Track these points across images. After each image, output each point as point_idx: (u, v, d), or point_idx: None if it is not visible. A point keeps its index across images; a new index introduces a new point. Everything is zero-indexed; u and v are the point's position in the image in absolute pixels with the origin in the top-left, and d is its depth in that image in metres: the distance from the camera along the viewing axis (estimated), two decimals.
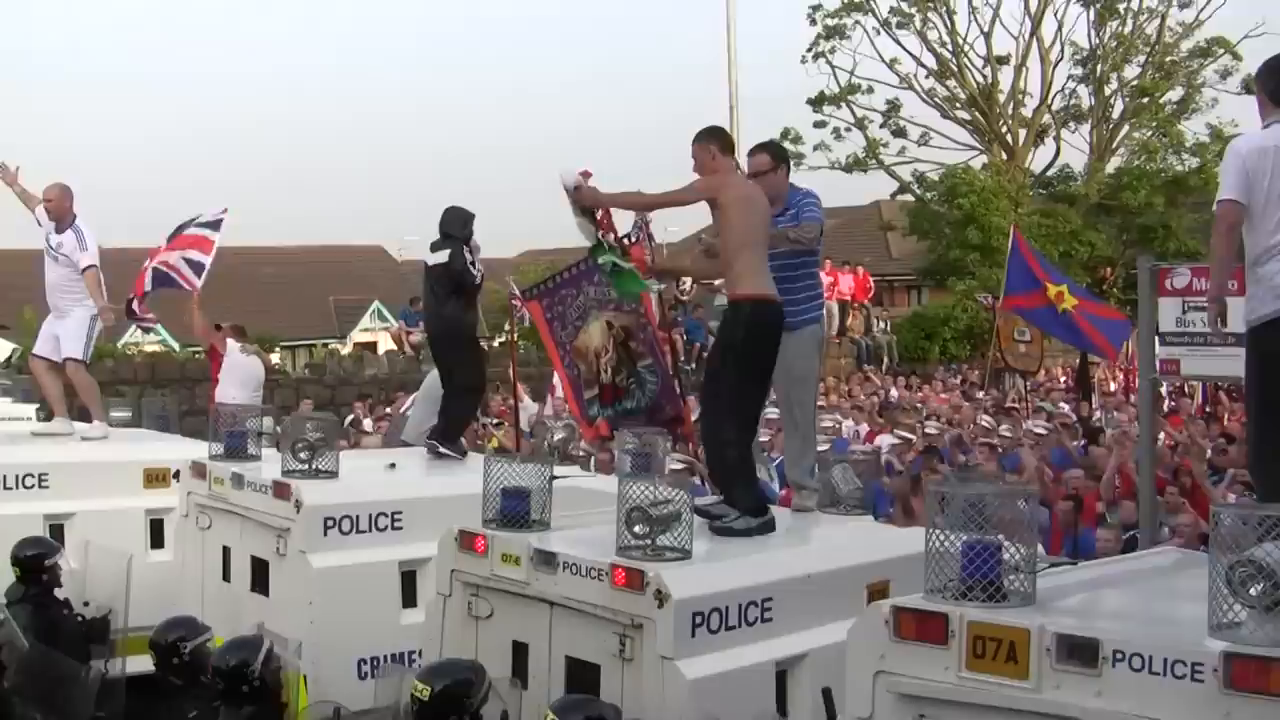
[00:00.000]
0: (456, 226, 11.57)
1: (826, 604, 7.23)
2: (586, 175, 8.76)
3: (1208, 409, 23.59)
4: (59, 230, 12.45)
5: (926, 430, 19.64)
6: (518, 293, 17.18)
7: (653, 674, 6.71)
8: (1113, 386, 30.42)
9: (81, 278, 12.37)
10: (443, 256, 11.49)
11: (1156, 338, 10.10)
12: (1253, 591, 4.69)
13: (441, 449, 11.30)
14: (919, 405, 25.11)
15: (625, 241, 12.93)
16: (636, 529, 7.04)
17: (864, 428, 21.32)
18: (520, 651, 7.42)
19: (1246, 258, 7.63)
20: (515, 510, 7.68)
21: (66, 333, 12.50)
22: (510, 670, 7.38)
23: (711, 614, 6.81)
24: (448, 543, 7.81)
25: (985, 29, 51.27)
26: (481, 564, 7.58)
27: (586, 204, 8.89)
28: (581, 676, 7.04)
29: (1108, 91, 51.10)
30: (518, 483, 7.73)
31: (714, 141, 8.51)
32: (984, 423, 20.89)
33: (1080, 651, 4.89)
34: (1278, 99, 7.55)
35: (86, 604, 9.88)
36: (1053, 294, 16.81)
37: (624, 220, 12.29)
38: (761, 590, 7.08)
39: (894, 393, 28.83)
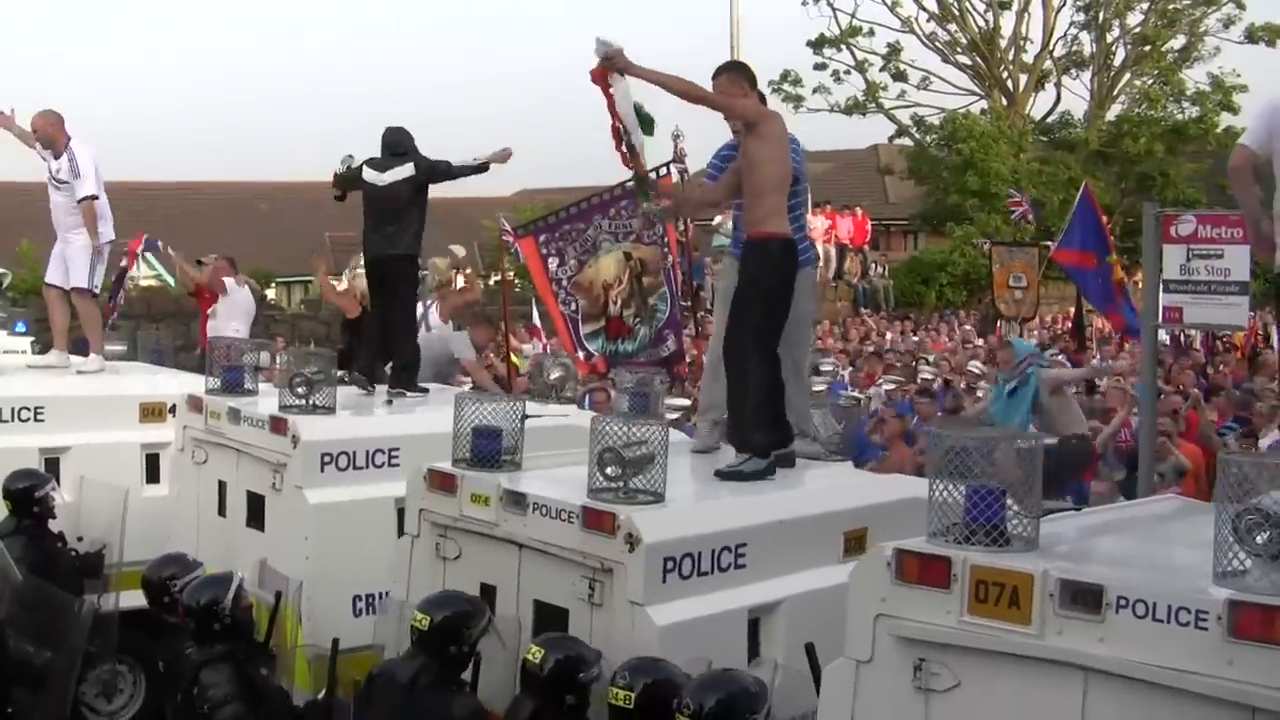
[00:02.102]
0: (410, 141, 11.26)
1: (802, 551, 7.17)
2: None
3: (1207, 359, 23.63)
4: (55, 157, 12.23)
5: (922, 375, 19.67)
6: (510, 229, 17.04)
7: (622, 619, 6.62)
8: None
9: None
10: (407, 170, 11.13)
11: (1160, 285, 10.03)
12: (1259, 539, 4.67)
13: (409, 394, 10.99)
14: (912, 351, 25.14)
15: (657, 174, 12.94)
16: (609, 470, 6.92)
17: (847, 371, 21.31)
18: (488, 594, 7.30)
19: (1275, 206, 7.64)
20: (486, 450, 7.58)
21: (71, 261, 12.36)
22: None
23: (684, 559, 6.70)
24: (416, 482, 7.73)
25: None
26: (451, 504, 7.50)
27: (622, 70, 8.39)
28: (550, 620, 6.95)
29: (1110, 38, 50.92)
30: (490, 422, 7.63)
31: (744, 76, 8.41)
32: (974, 369, 20.90)
33: (1084, 597, 4.86)
34: None
35: (80, 539, 9.87)
36: (1114, 259, 16.59)
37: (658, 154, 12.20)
38: (735, 536, 6.97)
39: (889, 337, 28.85)
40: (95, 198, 12.17)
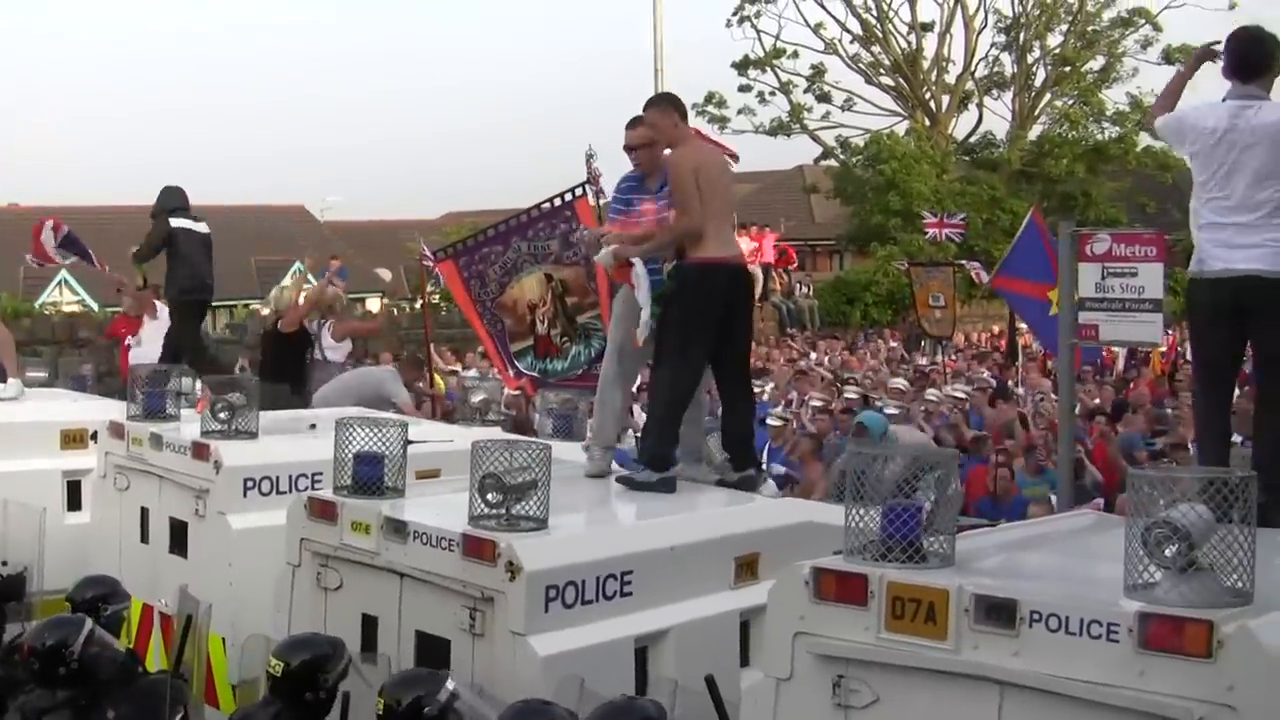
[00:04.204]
0: None
1: (692, 578, 7.08)
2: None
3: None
4: None
5: (846, 394, 19.79)
6: (429, 253, 17.04)
7: (504, 650, 6.48)
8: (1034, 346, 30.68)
9: None
10: (205, 227, 12.89)
11: (1075, 303, 10.15)
12: (1168, 553, 4.74)
13: None
14: (835, 370, 25.29)
15: (573, 194, 13.03)
16: (490, 497, 6.75)
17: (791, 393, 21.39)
18: (370, 625, 7.16)
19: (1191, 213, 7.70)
20: (368, 476, 7.41)
21: None
22: (360, 644, 7.15)
23: (567, 587, 6.56)
24: (297, 510, 7.59)
25: None
26: (331, 532, 7.34)
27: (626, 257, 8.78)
28: (431, 651, 6.78)
29: (1030, 59, 51.60)
30: (371, 447, 7.47)
31: (675, 110, 8.76)
32: (897, 385, 21.11)
33: (998, 612, 4.92)
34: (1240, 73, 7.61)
35: (4, 563, 9.74)
36: (1055, 291, 16.58)
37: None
38: (621, 562, 6.84)
39: (813, 356, 29.00)
40: None
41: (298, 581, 7.58)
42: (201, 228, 12.67)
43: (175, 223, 12.38)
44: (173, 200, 12.63)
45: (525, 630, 6.43)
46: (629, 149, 8.96)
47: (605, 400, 9.06)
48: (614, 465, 9.02)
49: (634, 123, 9.00)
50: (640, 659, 6.78)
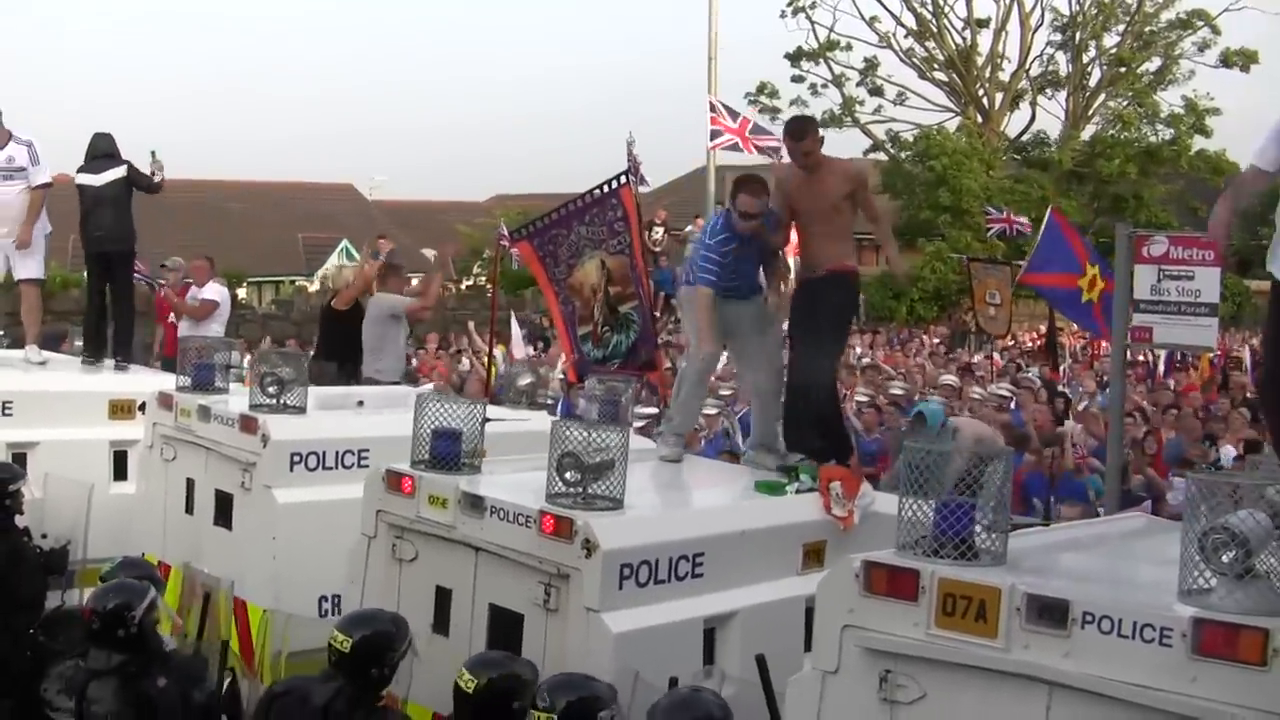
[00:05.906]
0: (116, 146, 12.73)
1: (760, 562, 7.17)
2: None
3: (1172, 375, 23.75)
4: (2, 145, 12.14)
5: (892, 389, 19.72)
6: (506, 233, 17.10)
7: (577, 626, 6.57)
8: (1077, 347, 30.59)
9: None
10: (119, 172, 12.53)
11: (1130, 305, 10.09)
12: (1224, 558, 4.71)
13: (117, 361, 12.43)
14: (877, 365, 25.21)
15: (618, 182, 13.06)
16: (567, 475, 6.87)
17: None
18: (443, 597, 7.28)
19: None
20: (445, 451, 7.54)
21: (26, 253, 12.30)
22: (432, 616, 7.25)
23: (640, 567, 6.67)
24: (374, 482, 7.69)
25: None
26: (408, 505, 7.46)
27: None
28: (504, 626, 6.89)
29: (1086, 59, 51.32)
30: (450, 424, 7.60)
31: (818, 128, 9.48)
32: (947, 381, 21.03)
33: (1050, 612, 4.90)
34: None
35: (44, 536, 9.77)
36: (1085, 279, 16.39)
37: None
38: (693, 545, 6.95)
39: (858, 350, 28.92)
40: (48, 187, 12.20)
41: (373, 553, 7.68)
42: (98, 180, 12.35)
43: (77, 180, 12.43)
44: (89, 152, 12.56)
45: (599, 607, 6.52)
46: (746, 215, 8.93)
47: (692, 396, 9.50)
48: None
49: (750, 185, 9.00)
50: (708, 640, 6.89)
